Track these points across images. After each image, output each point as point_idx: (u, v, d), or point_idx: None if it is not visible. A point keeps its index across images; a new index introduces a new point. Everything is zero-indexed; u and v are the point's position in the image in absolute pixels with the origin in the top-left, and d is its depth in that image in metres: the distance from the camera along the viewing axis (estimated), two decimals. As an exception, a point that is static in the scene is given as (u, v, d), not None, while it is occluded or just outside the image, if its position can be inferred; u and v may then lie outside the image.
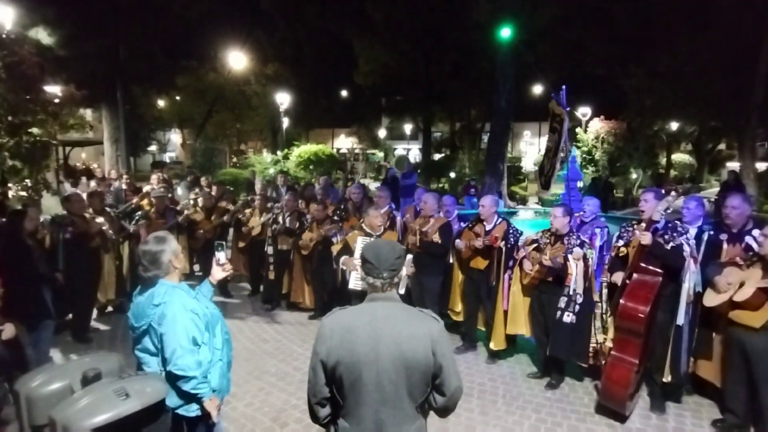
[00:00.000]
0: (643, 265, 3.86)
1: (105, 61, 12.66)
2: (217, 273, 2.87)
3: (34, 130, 6.24)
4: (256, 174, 15.16)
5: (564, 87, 6.57)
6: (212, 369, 2.72)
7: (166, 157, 26.95)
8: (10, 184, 6.21)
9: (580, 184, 12.61)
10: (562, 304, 4.25)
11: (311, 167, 17.25)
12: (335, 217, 6.28)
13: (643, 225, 3.94)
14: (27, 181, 6.29)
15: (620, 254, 4.12)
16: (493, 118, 13.85)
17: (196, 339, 2.62)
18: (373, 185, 16.17)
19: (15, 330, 3.33)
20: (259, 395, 4.36)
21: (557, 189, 11.81)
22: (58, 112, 7.06)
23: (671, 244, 3.78)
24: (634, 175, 20.17)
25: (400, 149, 34.91)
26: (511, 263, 4.85)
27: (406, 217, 6.09)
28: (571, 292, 4.22)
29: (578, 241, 4.25)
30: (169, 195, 8.08)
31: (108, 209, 6.31)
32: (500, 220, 5.04)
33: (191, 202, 7.70)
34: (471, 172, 20.15)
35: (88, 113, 13.57)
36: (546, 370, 4.61)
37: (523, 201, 17.76)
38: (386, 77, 21.35)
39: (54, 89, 7.53)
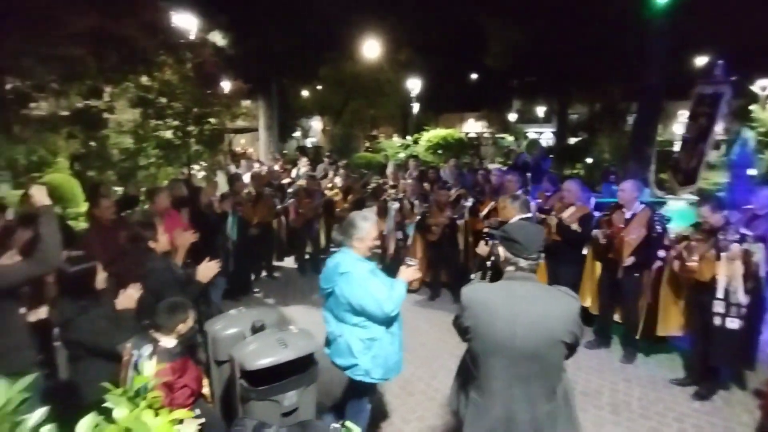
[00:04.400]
0: None
1: (262, 59, 14.37)
2: (408, 273, 3.00)
3: (212, 120, 7.45)
4: (390, 158, 15.83)
5: (721, 62, 5.72)
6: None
7: (308, 142, 29.39)
8: (194, 165, 7.57)
9: (753, 171, 10.73)
10: (720, 308, 3.79)
11: (440, 152, 17.42)
12: (466, 202, 6.36)
13: None
14: (204, 163, 7.59)
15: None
16: (641, 97, 12.43)
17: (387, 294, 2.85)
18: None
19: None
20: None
21: (717, 177, 10.29)
22: (230, 103, 8.31)
23: None
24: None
25: (531, 133, 33.18)
26: (661, 254, 4.46)
27: (537, 202, 5.94)
28: (727, 296, 3.75)
29: (736, 237, 3.74)
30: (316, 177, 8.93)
31: (266, 188, 7.32)
32: (643, 207, 4.65)
33: (329, 184, 8.46)
34: (611, 158, 18.39)
35: (247, 104, 15.54)
36: (695, 377, 4.13)
37: (673, 190, 15.63)
38: (518, 58, 20.36)
39: (225, 84, 8.93)
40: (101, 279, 3.06)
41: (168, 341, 2.84)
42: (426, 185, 7.79)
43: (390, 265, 7.26)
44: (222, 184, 7.26)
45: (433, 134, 18.54)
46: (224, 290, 5.59)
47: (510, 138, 33.00)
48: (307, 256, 7.78)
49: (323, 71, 23.45)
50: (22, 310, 2.80)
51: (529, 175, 9.03)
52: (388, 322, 2.90)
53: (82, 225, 5.55)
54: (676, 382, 4.25)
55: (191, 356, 3.16)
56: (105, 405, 1.37)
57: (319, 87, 26.46)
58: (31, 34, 5.50)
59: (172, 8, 7.42)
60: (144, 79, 6.67)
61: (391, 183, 8.94)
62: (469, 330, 2.05)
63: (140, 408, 1.43)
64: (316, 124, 30.03)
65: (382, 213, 7.00)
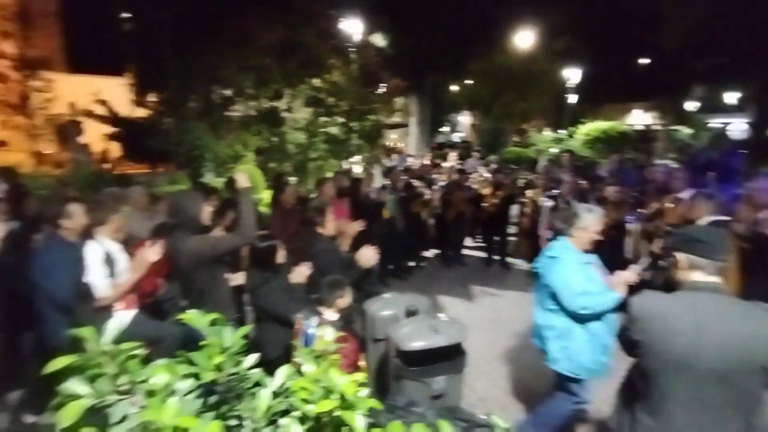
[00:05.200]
0: None
1: (416, 56, 14.88)
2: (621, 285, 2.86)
3: (372, 117, 8.02)
4: (541, 153, 15.08)
5: None
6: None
7: (456, 137, 29.49)
8: (353, 159, 8.28)
9: None
10: None
11: (599, 146, 15.94)
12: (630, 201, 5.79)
13: None
14: (363, 156, 8.23)
15: None
16: None
17: (586, 290, 2.84)
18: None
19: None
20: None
21: None
22: (388, 101, 8.85)
23: None
24: None
25: (714, 124, 28.20)
26: None
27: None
28: None
29: None
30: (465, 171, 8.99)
31: (415, 180, 7.65)
32: None
33: (480, 177, 8.44)
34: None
35: (401, 101, 16.29)
36: None
37: None
38: (703, 35, 17.41)
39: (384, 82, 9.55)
40: (281, 255, 3.58)
41: (330, 314, 3.20)
42: (584, 182, 7.26)
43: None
44: (377, 177, 7.77)
45: (591, 127, 17.04)
46: (377, 274, 6.01)
47: (687, 130, 28.60)
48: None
49: (473, 65, 23.21)
50: (226, 276, 3.43)
51: (711, 174, 7.78)
52: (584, 317, 2.87)
53: (261, 209, 6.45)
54: None
55: (349, 331, 3.51)
56: (294, 361, 1.63)
57: (469, 81, 26.30)
58: (233, 49, 6.60)
59: (341, 15, 8.19)
60: (316, 81, 7.49)
61: (543, 179, 8.52)
62: (639, 345, 1.87)
63: (323, 367, 1.67)
64: (464, 119, 29.94)
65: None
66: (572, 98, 20.78)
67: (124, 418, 1.30)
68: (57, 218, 3.24)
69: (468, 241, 8.56)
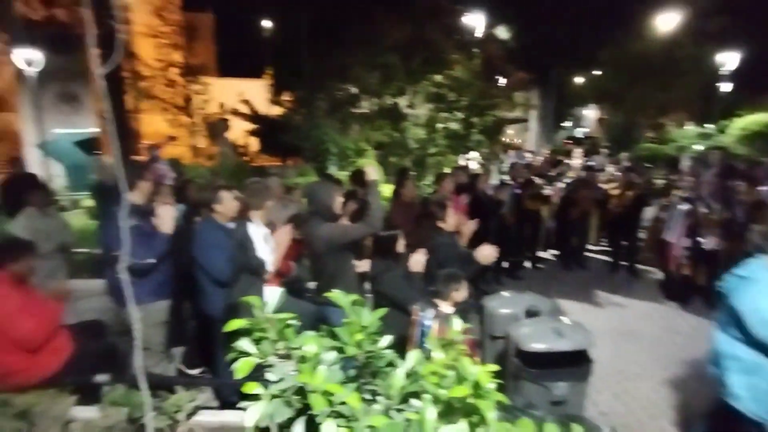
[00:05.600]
0: None
1: (540, 48, 14.18)
2: None
3: (493, 111, 7.88)
4: (683, 150, 13.42)
5: None
6: None
7: (579, 132, 27.51)
8: (472, 154, 8.22)
9: None
10: None
11: (760, 142, 13.69)
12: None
13: None
14: (482, 152, 8.12)
15: None
16: None
17: None
18: None
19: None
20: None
21: None
22: (510, 95, 8.62)
23: None
24: None
25: None
26: None
27: None
28: None
29: None
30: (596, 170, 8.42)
31: (536, 177, 7.35)
32: None
33: (608, 177, 7.81)
34: None
35: (522, 95, 15.69)
36: None
37: None
38: None
39: (500, 76, 9.31)
40: (401, 245, 3.72)
41: (446, 307, 3.24)
42: (735, 184, 6.32)
43: (668, 282, 6.21)
44: (494, 173, 7.61)
45: (750, 120, 14.66)
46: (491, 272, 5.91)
47: None
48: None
49: (604, 54, 21.38)
50: (353, 262, 3.65)
51: None
52: None
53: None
54: None
55: (464, 325, 3.52)
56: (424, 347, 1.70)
57: (597, 72, 24.31)
58: (360, 48, 6.95)
59: (464, 9, 8.14)
60: (438, 77, 7.56)
61: (686, 179, 7.63)
62: None
63: (453, 355, 1.71)
64: (590, 112, 27.75)
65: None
66: (725, 87, 18.06)
67: (281, 378, 1.49)
68: (211, 204, 3.75)
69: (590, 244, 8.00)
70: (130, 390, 3.06)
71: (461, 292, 3.26)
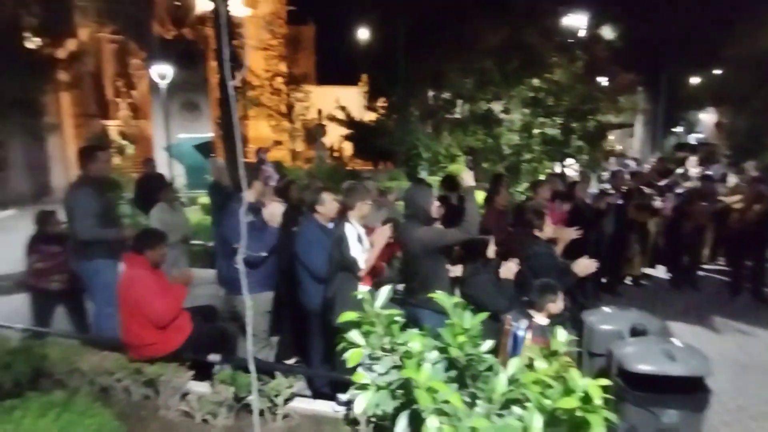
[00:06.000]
0: None
1: (651, 47, 13.09)
2: None
3: (596, 116, 7.44)
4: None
5: None
6: None
7: (692, 138, 24.88)
8: (569, 161, 7.82)
9: None
10: None
11: None
12: None
13: None
14: (582, 159, 7.69)
15: None
16: None
17: None
18: None
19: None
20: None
21: None
22: (615, 98, 8.09)
23: None
24: None
25: None
26: None
27: None
28: None
29: None
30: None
31: (644, 187, 6.80)
32: None
33: (729, 188, 7.00)
34: None
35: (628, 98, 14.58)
36: None
37: None
38: None
39: (607, 78, 8.73)
40: (491, 250, 3.67)
41: (541, 318, 3.13)
42: None
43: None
44: (593, 181, 7.17)
45: None
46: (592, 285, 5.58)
47: None
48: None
49: (726, 52, 19.15)
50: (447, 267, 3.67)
51: None
52: None
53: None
54: None
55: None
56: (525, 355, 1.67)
57: (717, 71, 21.85)
58: (455, 53, 6.95)
59: (566, 10, 7.80)
60: (536, 81, 7.32)
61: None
62: None
63: (558, 366, 1.67)
64: (707, 116, 24.97)
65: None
66: None
67: (387, 371, 1.56)
68: (313, 204, 3.98)
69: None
70: (236, 371, 3.36)
71: (557, 304, 3.14)
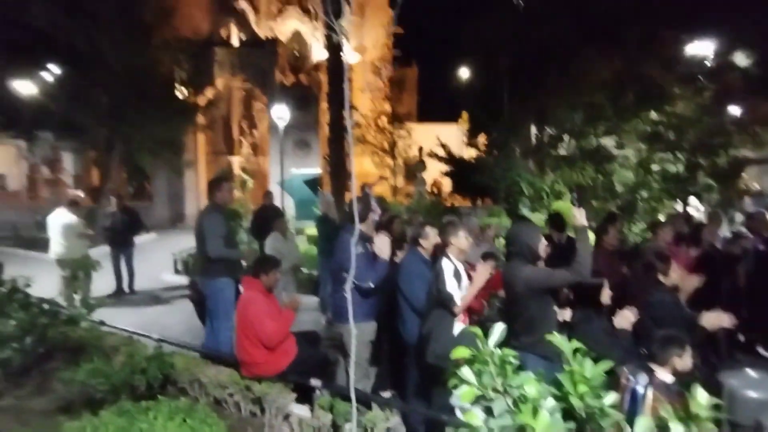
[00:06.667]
0: None
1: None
2: None
3: (728, 151, 6.67)
4: None
5: None
6: None
7: None
8: (693, 200, 7.02)
9: None
10: None
11: None
12: None
13: None
14: (712, 198, 6.86)
15: None
16: None
17: None
18: None
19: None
20: None
21: None
22: (754, 130, 7.21)
23: None
24: None
25: None
26: None
27: None
28: None
29: None
30: None
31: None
32: None
33: None
34: None
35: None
36: None
37: None
38: None
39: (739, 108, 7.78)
40: (606, 295, 3.38)
41: (664, 375, 2.78)
42: None
43: None
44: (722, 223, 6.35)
45: None
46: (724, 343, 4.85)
47: None
48: None
49: None
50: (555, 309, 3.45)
51: None
52: None
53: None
54: None
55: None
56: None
57: None
58: (563, 88, 6.73)
59: (691, 37, 7.19)
60: (654, 115, 6.78)
61: None
62: None
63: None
64: None
65: None
66: None
67: (501, 414, 1.49)
68: (417, 238, 4.02)
69: None
70: (334, 398, 3.43)
71: (684, 360, 2.78)
